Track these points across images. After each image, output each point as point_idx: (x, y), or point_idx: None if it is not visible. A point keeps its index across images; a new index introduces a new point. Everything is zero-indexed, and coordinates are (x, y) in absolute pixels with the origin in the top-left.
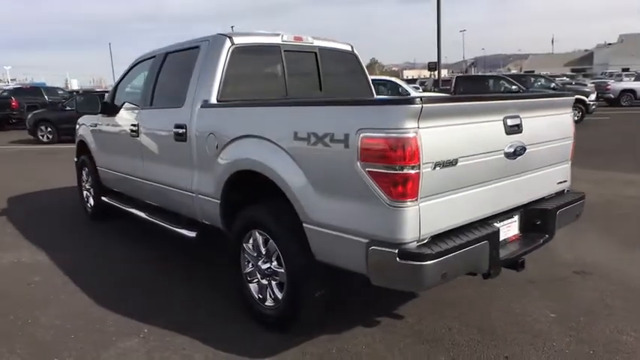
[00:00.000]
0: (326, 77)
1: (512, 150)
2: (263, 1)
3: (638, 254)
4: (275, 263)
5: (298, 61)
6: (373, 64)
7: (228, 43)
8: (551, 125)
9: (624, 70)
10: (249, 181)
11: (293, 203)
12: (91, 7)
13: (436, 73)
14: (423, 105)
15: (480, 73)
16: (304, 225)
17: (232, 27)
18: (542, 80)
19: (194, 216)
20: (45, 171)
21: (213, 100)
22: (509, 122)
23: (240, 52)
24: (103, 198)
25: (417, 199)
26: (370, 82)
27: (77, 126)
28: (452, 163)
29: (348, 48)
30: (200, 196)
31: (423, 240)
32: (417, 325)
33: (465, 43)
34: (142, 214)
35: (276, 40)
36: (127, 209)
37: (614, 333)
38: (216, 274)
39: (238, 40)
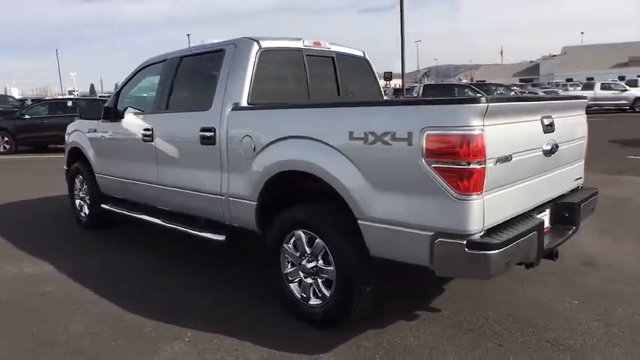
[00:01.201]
0: (342, 81)
1: (549, 147)
2: (219, 9)
3: (632, 246)
4: (321, 262)
5: (318, 65)
6: None
7: (256, 46)
8: (574, 125)
9: (568, 80)
10: (287, 183)
11: (347, 201)
12: (36, 10)
13: (392, 82)
14: (489, 104)
15: (444, 82)
16: (359, 222)
17: (188, 35)
18: (502, 89)
19: (221, 219)
20: (18, 182)
21: (244, 102)
22: (545, 122)
23: (266, 55)
24: (104, 206)
25: (482, 193)
26: (380, 86)
27: (67, 133)
28: (508, 158)
29: (361, 54)
30: (232, 198)
31: (481, 232)
32: (455, 316)
33: (419, 53)
34: (156, 220)
35: (299, 44)
36: (137, 216)
37: (634, 316)
38: (235, 275)
39: (265, 44)
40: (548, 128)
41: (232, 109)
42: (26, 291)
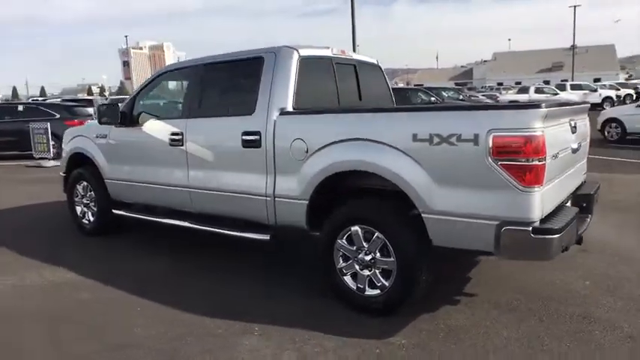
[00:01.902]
0: (363, 86)
1: (576, 146)
2: (155, 9)
3: (622, 231)
4: (379, 254)
5: (344, 71)
6: None
7: (296, 54)
8: (585, 126)
9: (499, 84)
10: (339, 182)
11: (411, 197)
12: None
13: None
14: (548, 109)
15: (401, 86)
16: (423, 215)
17: (126, 36)
18: (452, 92)
19: (263, 219)
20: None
21: (290, 107)
22: (572, 123)
23: (305, 63)
24: (117, 211)
25: (542, 185)
26: (391, 91)
27: (66, 139)
28: (556, 156)
29: (375, 61)
30: (279, 199)
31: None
32: (490, 299)
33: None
34: (184, 223)
35: (328, 52)
36: (160, 220)
37: (638, 289)
38: (276, 272)
39: (303, 52)
40: (574, 129)
41: (280, 114)
42: (64, 298)
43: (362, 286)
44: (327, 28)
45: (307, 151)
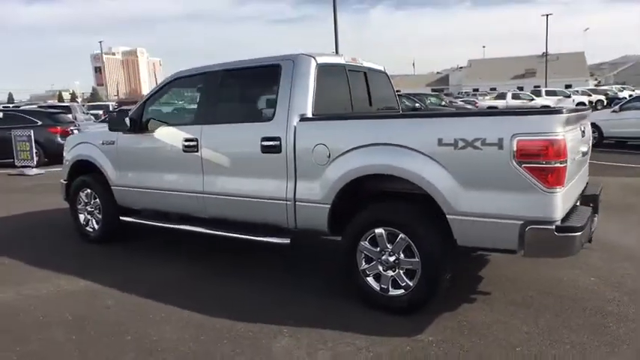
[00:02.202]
0: (372, 92)
1: (585, 149)
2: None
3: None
4: (402, 255)
5: (355, 78)
6: None
7: (314, 62)
8: (590, 131)
9: (475, 90)
10: (357, 187)
11: (436, 199)
12: None
13: None
14: (568, 115)
15: None
16: (449, 216)
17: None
18: (434, 98)
19: (283, 223)
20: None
21: (309, 114)
22: (581, 128)
23: (321, 70)
24: (125, 218)
25: (563, 187)
26: (397, 96)
27: (68, 146)
28: (573, 158)
29: (382, 68)
30: (300, 203)
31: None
32: (505, 297)
33: None
34: (198, 229)
35: (341, 60)
36: (172, 226)
37: None
38: (280, 275)
39: (319, 60)
40: (583, 134)
41: (300, 120)
42: (88, 306)
43: (385, 287)
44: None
45: (329, 156)
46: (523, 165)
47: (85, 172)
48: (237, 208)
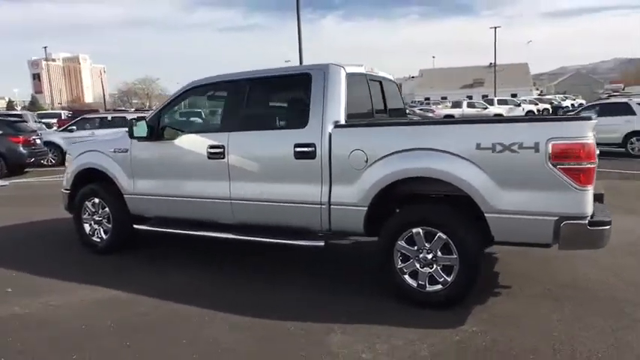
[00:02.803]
0: (387, 99)
1: (598, 152)
2: (67, 21)
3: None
4: (440, 253)
5: (374, 87)
6: None
7: (343, 71)
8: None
9: (426, 99)
10: (389, 190)
11: (475, 198)
12: None
13: None
14: (595, 121)
15: None
16: (487, 215)
17: (45, 47)
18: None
19: (316, 226)
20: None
21: (342, 121)
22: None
23: (350, 79)
24: (138, 226)
25: (592, 185)
26: (404, 103)
27: (72, 155)
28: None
29: (392, 78)
30: (335, 206)
31: None
32: (526, 290)
33: None
34: (225, 235)
35: (363, 69)
36: (196, 233)
37: None
38: (311, 277)
39: (348, 70)
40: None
41: (335, 127)
42: (124, 313)
43: (423, 283)
44: (253, 44)
45: (367, 161)
46: (558, 166)
47: (89, 181)
48: (266, 213)
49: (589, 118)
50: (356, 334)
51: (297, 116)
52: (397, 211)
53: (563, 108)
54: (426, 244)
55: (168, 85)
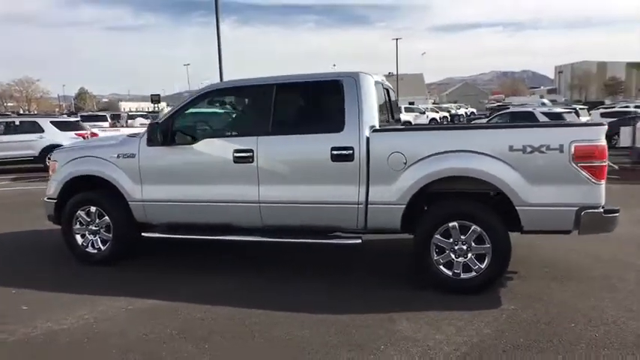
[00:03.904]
0: (391, 104)
1: None
2: None
3: None
4: (474, 244)
5: (385, 93)
6: (83, 94)
7: (371, 79)
8: None
9: None
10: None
11: (508, 194)
12: None
13: (158, 105)
14: (607, 126)
15: None
16: (518, 207)
17: None
18: None
19: (352, 225)
20: None
21: (377, 125)
22: None
23: (376, 87)
24: (147, 234)
25: (605, 180)
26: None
27: (61, 161)
28: None
29: (391, 85)
30: (373, 205)
31: None
32: (529, 274)
33: (190, 75)
34: (253, 238)
35: (379, 78)
36: (227, 238)
37: None
38: (337, 275)
39: (375, 78)
40: None
41: (373, 131)
42: (178, 320)
43: (458, 272)
44: (142, 43)
45: (406, 163)
46: (579, 164)
47: (83, 188)
48: (299, 214)
49: (602, 124)
50: (418, 321)
51: (332, 121)
52: (425, 208)
53: (459, 116)
54: (462, 237)
55: (52, 87)
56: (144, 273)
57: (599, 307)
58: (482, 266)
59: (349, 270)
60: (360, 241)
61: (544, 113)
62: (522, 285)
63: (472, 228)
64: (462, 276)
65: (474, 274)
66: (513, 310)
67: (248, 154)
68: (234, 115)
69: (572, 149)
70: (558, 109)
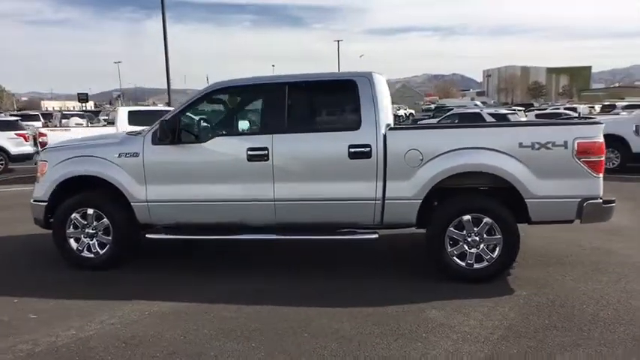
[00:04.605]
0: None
1: None
2: None
3: None
4: (486, 235)
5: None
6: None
7: (383, 78)
8: None
9: None
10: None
11: (518, 187)
12: None
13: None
14: (603, 125)
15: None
16: (527, 200)
17: None
18: None
19: (368, 221)
20: None
21: (392, 123)
22: None
23: (387, 85)
24: (152, 235)
25: (602, 173)
26: None
27: (52, 161)
28: None
29: None
30: (390, 201)
31: None
32: (530, 261)
33: (112, 74)
34: (270, 236)
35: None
36: (242, 237)
37: None
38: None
39: (385, 77)
40: None
41: (390, 129)
42: (211, 320)
43: (471, 262)
44: (64, 38)
45: (422, 159)
46: (581, 159)
47: (69, 191)
48: (315, 211)
49: (601, 123)
50: (445, 309)
51: (348, 119)
52: (435, 204)
53: (399, 117)
54: (474, 229)
55: None
56: (145, 274)
57: (598, 290)
58: (494, 256)
59: (364, 265)
60: (376, 235)
61: (490, 114)
62: (524, 273)
63: (484, 220)
64: (475, 266)
65: (485, 263)
66: (527, 295)
67: (263, 152)
68: (245, 113)
69: (576, 145)
70: (503, 111)
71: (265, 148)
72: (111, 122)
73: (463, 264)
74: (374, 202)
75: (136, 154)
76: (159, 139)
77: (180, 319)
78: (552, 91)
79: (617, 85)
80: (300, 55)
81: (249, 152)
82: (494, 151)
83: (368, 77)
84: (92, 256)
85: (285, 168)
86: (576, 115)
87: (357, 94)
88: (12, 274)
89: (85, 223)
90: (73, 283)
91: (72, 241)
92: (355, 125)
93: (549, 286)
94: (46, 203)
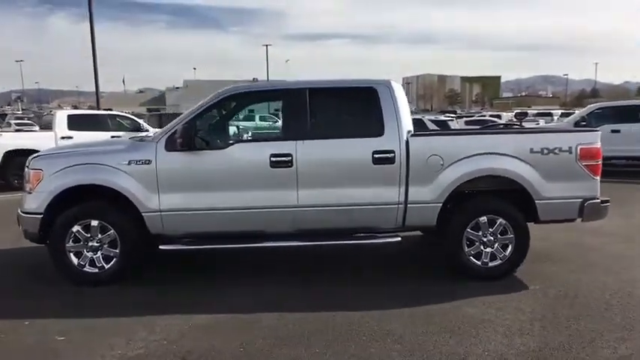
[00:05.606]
0: None
1: None
2: None
3: None
4: (499, 235)
5: None
6: None
7: (400, 86)
8: None
9: None
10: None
11: (529, 190)
12: None
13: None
14: (600, 132)
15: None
16: (537, 201)
17: None
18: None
19: (390, 224)
20: None
21: (412, 130)
22: None
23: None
24: (166, 247)
25: (600, 176)
26: None
27: (49, 170)
28: None
29: None
30: (412, 204)
31: None
32: (533, 258)
33: (12, 74)
34: (295, 243)
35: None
36: (261, 245)
37: None
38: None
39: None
40: None
41: (412, 135)
42: (263, 328)
43: (486, 261)
44: None
45: (443, 164)
46: (583, 163)
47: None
48: (339, 217)
49: (597, 131)
50: (478, 305)
51: (371, 125)
52: (448, 206)
53: None
54: (490, 229)
55: None
56: (155, 287)
57: (600, 280)
58: (507, 254)
59: (385, 268)
60: (399, 239)
61: (432, 121)
62: (528, 269)
63: (498, 221)
64: (490, 264)
65: (499, 261)
66: (541, 289)
67: (287, 158)
68: (264, 119)
69: (578, 151)
70: (442, 118)
71: (289, 155)
72: (46, 127)
73: (479, 263)
74: (397, 206)
75: (148, 162)
76: (176, 146)
77: (226, 330)
78: (467, 98)
79: (523, 94)
80: (218, 58)
81: (273, 159)
82: (508, 157)
83: (387, 84)
84: (97, 271)
85: (310, 174)
86: (502, 122)
87: (379, 101)
88: (6, 294)
89: (88, 236)
90: (81, 299)
91: (72, 256)
92: (378, 131)
93: (557, 280)
94: (41, 216)
